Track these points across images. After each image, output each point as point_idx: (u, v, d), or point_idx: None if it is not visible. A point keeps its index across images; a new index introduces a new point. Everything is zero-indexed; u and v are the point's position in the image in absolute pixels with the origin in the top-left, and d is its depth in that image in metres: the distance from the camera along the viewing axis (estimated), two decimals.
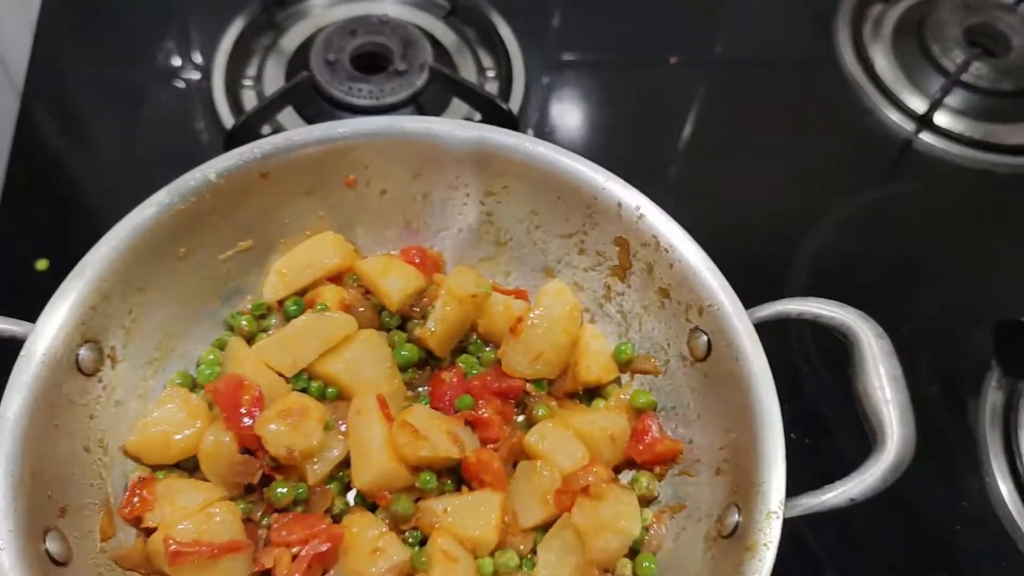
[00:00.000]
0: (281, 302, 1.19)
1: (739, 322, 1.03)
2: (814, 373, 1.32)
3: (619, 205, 1.12)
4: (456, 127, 1.16)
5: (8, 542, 0.88)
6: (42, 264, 1.41)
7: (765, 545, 0.92)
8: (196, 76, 1.60)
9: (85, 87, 1.65)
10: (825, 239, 1.48)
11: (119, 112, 1.60)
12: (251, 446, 1.05)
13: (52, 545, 0.93)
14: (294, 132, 1.13)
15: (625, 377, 1.18)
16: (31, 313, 0.99)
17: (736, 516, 0.98)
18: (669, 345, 1.13)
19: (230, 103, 1.52)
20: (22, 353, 0.97)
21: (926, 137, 1.59)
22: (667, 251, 1.09)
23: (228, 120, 1.50)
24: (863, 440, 0.99)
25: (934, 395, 1.32)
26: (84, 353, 1.02)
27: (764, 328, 1.03)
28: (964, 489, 1.27)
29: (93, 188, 1.52)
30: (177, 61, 1.63)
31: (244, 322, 1.16)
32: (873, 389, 0.98)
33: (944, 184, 1.56)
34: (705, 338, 1.07)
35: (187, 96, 1.59)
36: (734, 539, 0.97)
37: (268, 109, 1.48)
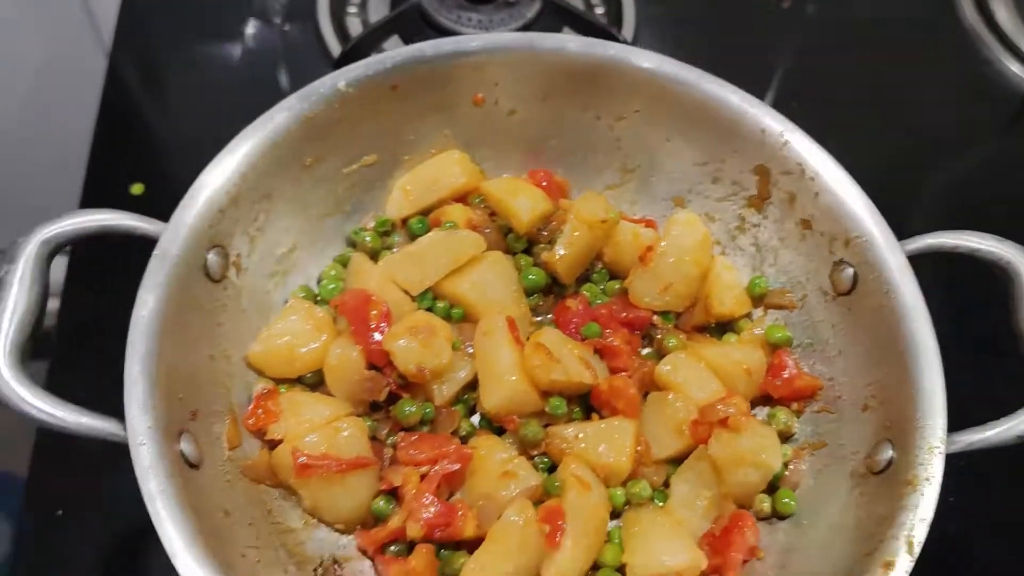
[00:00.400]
0: (405, 220, 1.16)
1: (891, 254, 1.00)
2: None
3: (763, 131, 1.08)
4: (590, 45, 1.12)
5: (148, 438, 0.85)
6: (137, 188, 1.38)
7: (927, 480, 0.88)
8: (299, 7, 1.56)
9: (176, 33, 1.62)
10: (944, 190, 1.43)
11: (215, 48, 1.56)
12: (378, 362, 1.02)
13: (186, 447, 0.90)
14: (426, 44, 1.10)
15: (757, 312, 1.14)
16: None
17: (890, 452, 0.94)
18: (808, 279, 1.09)
19: (336, 30, 1.48)
20: (156, 252, 0.94)
21: None
22: (812, 179, 1.05)
23: (335, 49, 1.46)
24: (999, 389, 0.95)
25: None
26: (212, 258, 0.99)
27: None
28: None
29: (193, 125, 1.48)
30: None
31: (368, 238, 1.13)
32: None
33: None
34: (851, 271, 1.03)
35: (291, 29, 1.55)
36: (888, 475, 0.93)
37: (375, 36, 1.44)
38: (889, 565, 0.85)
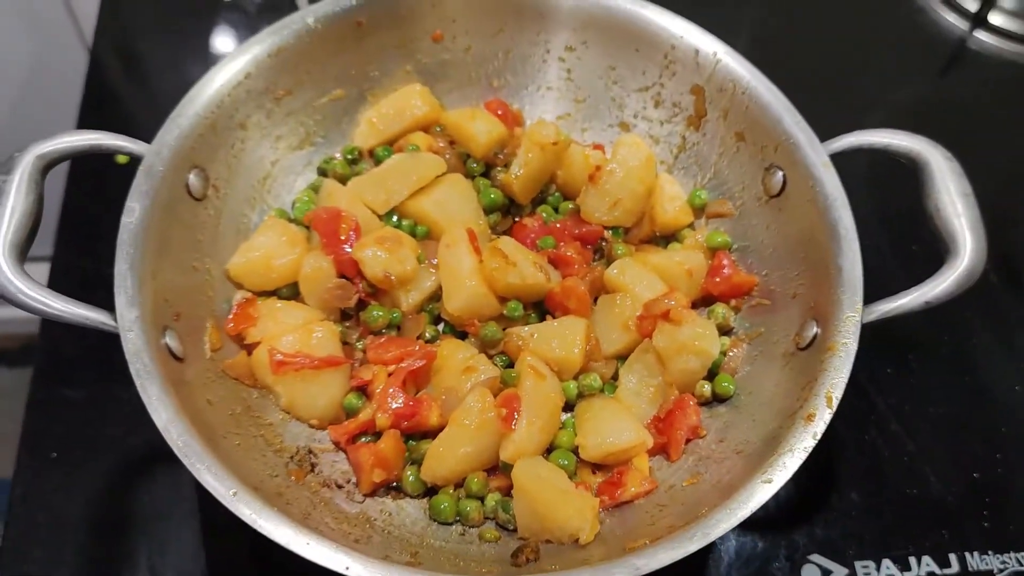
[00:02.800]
0: (371, 150, 1.25)
1: (814, 153, 1.09)
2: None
3: (696, 52, 1.17)
4: None
5: (135, 327, 0.94)
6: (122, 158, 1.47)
7: (844, 344, 0.97)
8: None
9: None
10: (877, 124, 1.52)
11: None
12: (348, 273, 1.11)
13: (171, 341, 0.98)
14: None
15: (699, 223, 1.23)
16: None
17: (814, 328, 1.03)
18: (743, 188, 1.18)
19: None
20: (141, 168, 1.03)
21: (980, 35, 1.63)
22: (744, 93, 1.15)
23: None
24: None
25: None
26: (193, 178, 1.08)
27: None
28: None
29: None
30: None
31: (337, 166, 1.22)
32: (944, 205, 1.02)
33: (997, 80, 1.59)
34: (780, 174, 1.12)
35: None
36: (813, 348, 1.02)
37: None
38: (811, 417, 0.93)
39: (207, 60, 1.61)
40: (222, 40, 1.64)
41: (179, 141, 1.06)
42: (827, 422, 0.93)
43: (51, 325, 1.28)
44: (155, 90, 1.61)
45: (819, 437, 0.92)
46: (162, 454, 1.25)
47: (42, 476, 1.20)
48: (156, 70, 1.64)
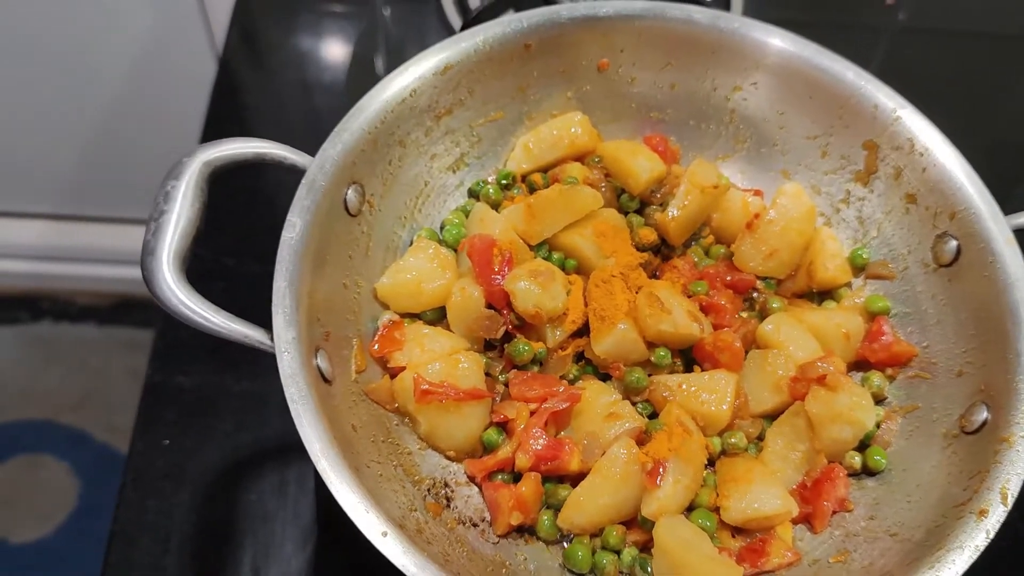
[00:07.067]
0: (524, 176, 1.22)
1: (996, 226, 1.04)
2: None
3: (875, 107, 1.13)
4: (716, 17, 1.17)
5: (292, 348, 0.92)
6: None
7: (1023, 437, 0.92)
8: None
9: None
10: None
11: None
12: (497, 304, 1.08)
13: (321, 362, 0.96)
14: (561, 7, 1.16)
15: (856, 283, 1.19)
16: None
17: (984, 413, 0.98)
18: (909, 251, 1.14)
19: (456, 6, 1.55)
20: (304, 181, 1.01)
21: None
22: (922, 155, 1.10)
23: (456, 22, 1.53)
24: None
25: None
26: (351, 193, 1.06)
27: None
28: None
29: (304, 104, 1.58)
30: None
31: (490, 190, 1.19)
32: None
33: None
34: (954, 243, 1.07)
35: (409, 7, 1.64)
36: (982, 435, 0.97)
37: (493, 9, 1.51)
38: (983, 513, 0.89)
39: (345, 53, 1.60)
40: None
41: (342, 155, 1.04)
42: (1001, 520, 0.89)
43: None
44: (284, 83, 1.61)
45: (992, 536, 0.88)
46: (269, 454, 1.27)
47: (154, 463, 1.21)
48: (287, 63, 1.63)
